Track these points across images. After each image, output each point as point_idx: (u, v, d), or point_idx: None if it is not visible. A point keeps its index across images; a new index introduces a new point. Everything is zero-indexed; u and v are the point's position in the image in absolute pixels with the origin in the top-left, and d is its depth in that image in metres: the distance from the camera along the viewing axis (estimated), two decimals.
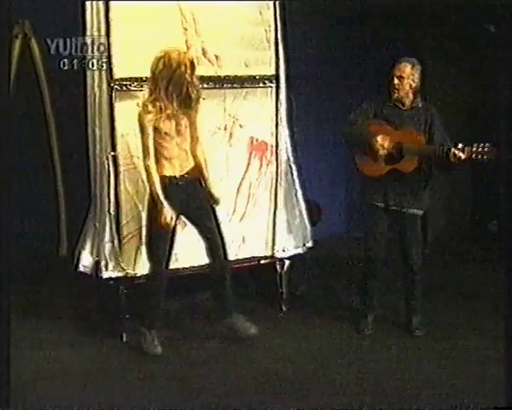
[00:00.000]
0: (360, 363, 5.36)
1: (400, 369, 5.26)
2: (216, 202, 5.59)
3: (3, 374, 4.24)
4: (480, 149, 5.37)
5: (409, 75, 5.59)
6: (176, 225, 5.50)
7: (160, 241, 5.43)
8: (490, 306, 5.97)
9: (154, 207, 5.37)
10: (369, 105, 5.75)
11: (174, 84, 5.24)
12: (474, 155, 5.38)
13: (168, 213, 5.30)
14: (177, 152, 5.39)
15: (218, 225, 5.58)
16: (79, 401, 4.77)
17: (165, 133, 5.32)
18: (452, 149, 5.41)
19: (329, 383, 5.08)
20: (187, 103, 5.31)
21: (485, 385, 4.90)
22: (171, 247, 5.54)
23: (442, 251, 7.38)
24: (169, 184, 5.36)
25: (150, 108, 5.27)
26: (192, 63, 5.29)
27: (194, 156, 5.50)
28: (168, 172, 5.38)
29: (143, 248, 5.74)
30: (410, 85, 5.60)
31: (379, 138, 5.59)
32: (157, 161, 5.33)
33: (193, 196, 5.48)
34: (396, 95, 5.64)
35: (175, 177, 5.40)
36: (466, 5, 6.99)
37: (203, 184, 5.54)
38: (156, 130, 5.30)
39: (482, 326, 5.80)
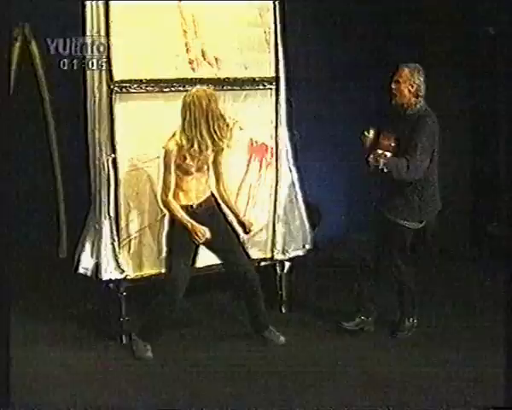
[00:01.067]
0: (359, 364, 5.36)
1: (399, 369, 5.27)
2: (248, 230, 5.64)
3: (3, 374, 4.24)
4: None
5: (406, 79, 5.52)
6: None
7: (180, 270, 5.40)
8: (489, 306, 5.98)
9: (173, 235, 5.42)
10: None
11: (205, 119, 5.25)
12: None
13: (199, 227, 5.32)
14: (194, 186, 5.42)
15: (247, 254, 5.65)
16: (79, 401, 4.79)
17: (186, 171, 5.35)
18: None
19: (328, 385, 5.08)
20: (216, 138, 5.31)
21: (483, 385, 4.92)
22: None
23: (442, 252, 7.37)
24: (186, 213, 5.39)
25: (175, 145, 5.29)
26: (215, 97, 5.32)
27: (220, 194, 5.57)
28: (184, 202, 5.41)
29: (143, 250, 5.76)
30: (409, 90, 5.53)
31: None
32: (173, 193, 5.39)
33: (213, 225, 5.44)
34: (394, 99, 5.61)
35: (191, 206, 5.42)
36: (465, 7, 7.02)
37: (228, 217, 5.57)
38: (179, 167, 5.33)
39: (481, 327, 5.81)
